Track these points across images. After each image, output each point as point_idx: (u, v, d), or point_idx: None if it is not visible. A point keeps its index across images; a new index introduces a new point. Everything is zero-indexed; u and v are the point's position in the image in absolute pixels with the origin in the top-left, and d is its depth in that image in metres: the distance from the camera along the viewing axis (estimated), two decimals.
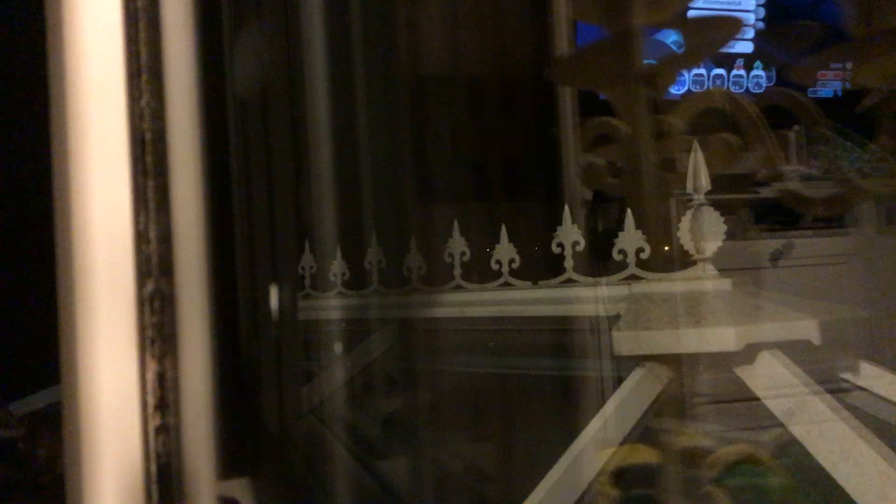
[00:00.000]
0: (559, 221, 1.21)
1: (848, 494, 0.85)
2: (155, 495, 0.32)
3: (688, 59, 1.44)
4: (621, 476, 0.92)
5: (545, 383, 1.28)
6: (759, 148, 1.29)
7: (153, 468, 0.32)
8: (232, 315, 1.28)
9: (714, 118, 1.28)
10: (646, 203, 1.21)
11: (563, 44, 1.68)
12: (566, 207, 1.24)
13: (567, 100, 1.64)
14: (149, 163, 0.33)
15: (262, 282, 1.34)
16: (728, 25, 1.43)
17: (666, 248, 1.15)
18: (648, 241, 1.16)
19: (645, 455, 0.94)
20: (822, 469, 0.88)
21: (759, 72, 2.24)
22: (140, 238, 0.33)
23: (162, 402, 0.32)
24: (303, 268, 1.54)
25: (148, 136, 0.35)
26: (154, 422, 0.32)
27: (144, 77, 0.35)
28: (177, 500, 0.32)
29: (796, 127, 1.73)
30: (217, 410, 0.35)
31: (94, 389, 0.32)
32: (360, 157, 1.55)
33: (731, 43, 2.27)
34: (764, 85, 2.23)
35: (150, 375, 0.32)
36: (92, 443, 0.32)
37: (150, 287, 0.33)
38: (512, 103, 1.69)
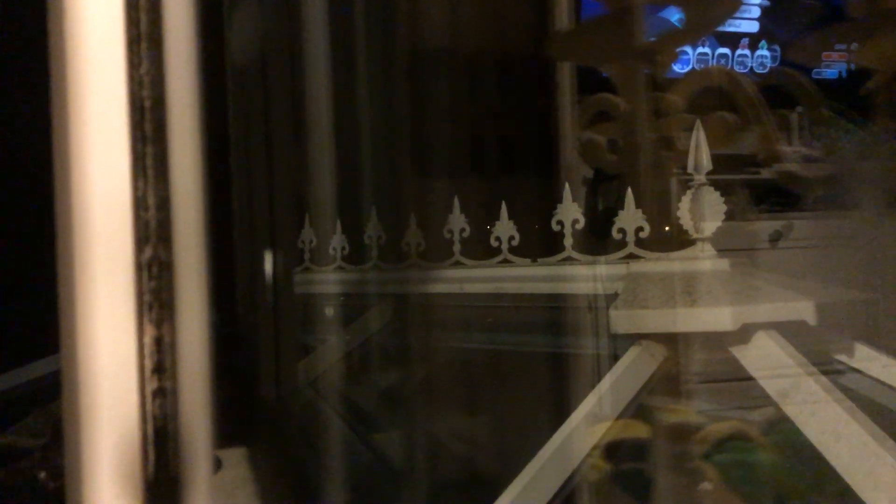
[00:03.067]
0: (559, 198, 1.22)
1: (838, 474, 0.87)
2: (151, 457, 0.32)
3: (688, 35, 1.43)
4: (613, 451, 0.93)
5: (542, 360, 1.29)
6: (757, 128, 1.29)
7: (150, 430, 0.32)
8: (229, 282, 1.28)
9: (713, 97, 1.28)
10: (645, 181, 1.21)
11: (563, 18, 1.66)
12: (566, 185, 1.24)
13: (566, 75, 1.62)
14: (148, 130, 0.34)
15: (260, 250, 1.35)
16: (728, 2, 1.42)
17: (666, 228, 1.16)
18: (648, 220, 1.16)
19: (636, 431, 0.95)
20: (812, 448, 0.89)
21: (763, 52, 2.22)
22: (138, 205, 0.33)
23: (159, 366, 0.33)
24: (303, 241, 1.54)
25: (147, 103, 0.35)
26: (151, 385, 0.33)
27: (144, 44, 0.36)
28: (173, 461, 0.32)
29: (799, 108, 1.73)
30: (214, 377, 0.35)
31: (92, 353, 0.33)
32: (360, 130, 1.55)
33: (737, 22, 2.25)
34: (769, 65, 2.22)
35: (148, 340, 0.33)
36: (89, 405, 0.32)
37: (147, 253, 0.33)
38: (512, 78, 1.67)
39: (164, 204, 0.33)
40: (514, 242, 1.29)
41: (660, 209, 1.19)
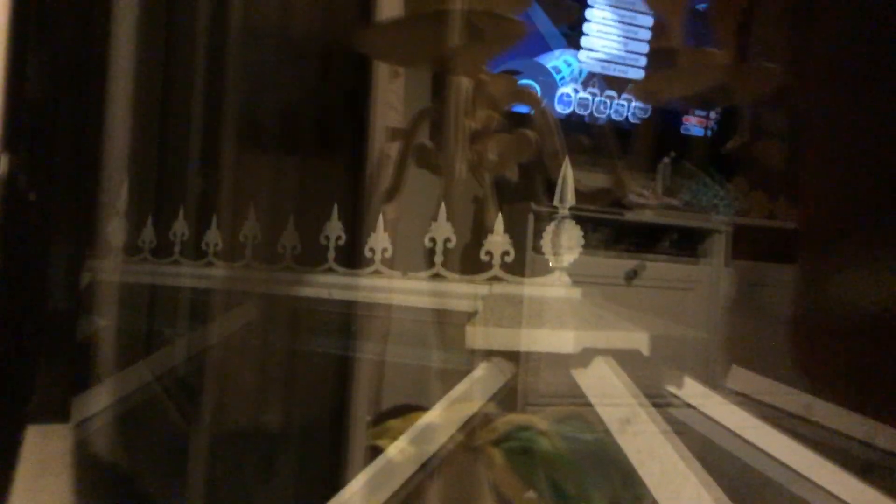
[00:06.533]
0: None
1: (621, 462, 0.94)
2: None
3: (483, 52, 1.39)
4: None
5: (397, 370, 1.32)
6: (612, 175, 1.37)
7: None
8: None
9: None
10: (513, 209, 1.27)
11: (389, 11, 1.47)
12: (443, 204, 1.28)
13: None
14: None
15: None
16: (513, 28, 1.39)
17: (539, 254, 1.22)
18: (514, 245, 1.22)
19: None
20: (598, 440, 0.96)
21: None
22: None
23: None
24: (174, 234, 1.52)
25: None
26: None
27: None
28: None
29: (666, 159, 1.84)
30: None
31: None
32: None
33: (625, 69, 2.35)
34: (642, 116, 2.30)
35: None
36: None
37: None
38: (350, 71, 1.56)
39: None
40: (388, 254, 1.32)
41: (521, 237, 1.24)
